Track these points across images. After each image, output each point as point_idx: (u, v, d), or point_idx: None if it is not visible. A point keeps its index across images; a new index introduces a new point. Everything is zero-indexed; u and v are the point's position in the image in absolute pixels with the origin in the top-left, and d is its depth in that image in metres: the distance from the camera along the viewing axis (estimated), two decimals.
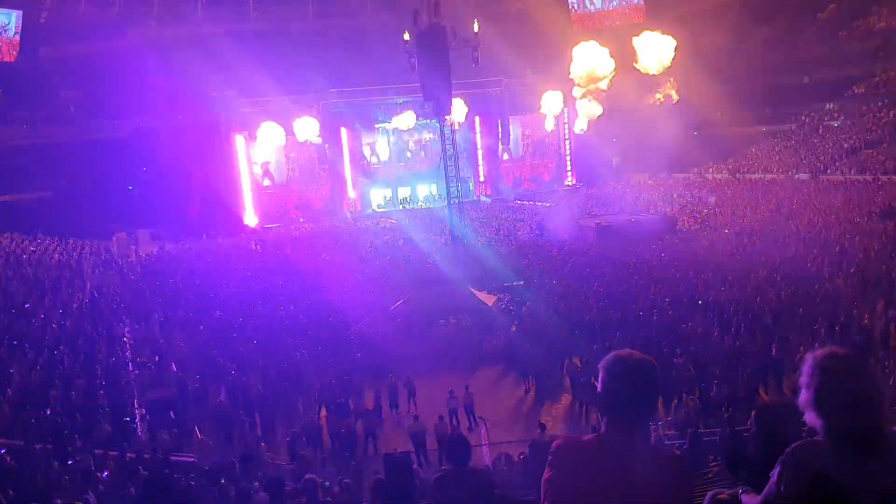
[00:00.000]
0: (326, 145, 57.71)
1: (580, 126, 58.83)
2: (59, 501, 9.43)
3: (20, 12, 49.29)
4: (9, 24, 49.50)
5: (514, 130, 65.19)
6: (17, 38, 49.45)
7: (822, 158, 50.61)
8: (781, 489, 2.50)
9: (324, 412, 19.50)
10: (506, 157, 65.67)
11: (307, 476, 8.11)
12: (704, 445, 11.00)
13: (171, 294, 30.14)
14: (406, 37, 35.12)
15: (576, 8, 68.12)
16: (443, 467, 5.01)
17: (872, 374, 2.48)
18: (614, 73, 52.58)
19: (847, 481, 2.38)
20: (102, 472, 11.89)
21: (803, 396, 2.52)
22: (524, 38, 58.76)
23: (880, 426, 2.43)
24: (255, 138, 55.59)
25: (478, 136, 63.07)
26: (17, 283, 27.60)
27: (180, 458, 14.56)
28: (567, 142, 65.59)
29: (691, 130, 63.60)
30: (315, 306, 27.76)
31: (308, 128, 54.83)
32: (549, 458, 2.66)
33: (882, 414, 2.44)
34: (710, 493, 3.01)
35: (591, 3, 68.54)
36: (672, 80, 55.07)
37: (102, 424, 15.75)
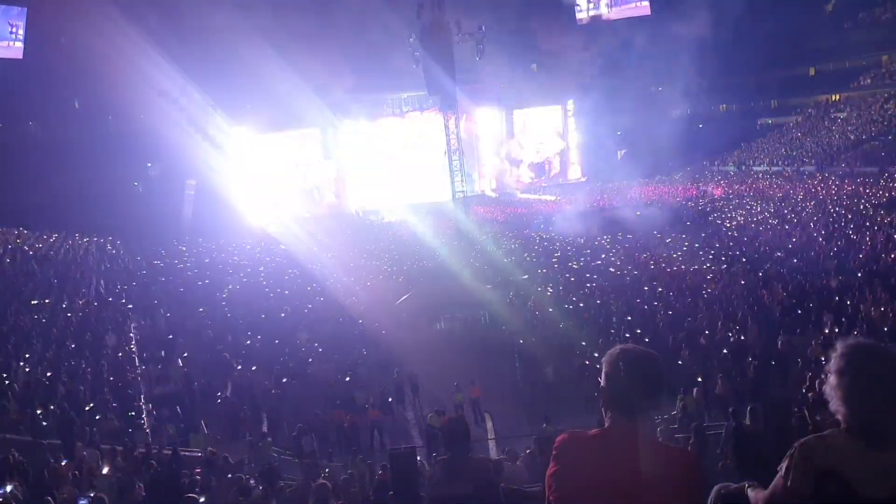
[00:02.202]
0: (332, 140, 57.83)
1: None
2: (66, 496, 9.46)
3: (25, 9, 49.33)
4: (14, 21, 49.53)
5: (520, 124, 65.08)
6: (23, 35, 49.49)
7: (827, 150, 50.45)
8: (788, 483, 2.49)
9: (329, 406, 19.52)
10: (510, 150, 65.58)
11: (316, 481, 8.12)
12: (710, 439, 10.98)
13: (177, 290, 30.20)
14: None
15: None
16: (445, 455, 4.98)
17: None
18: None
19: (855, 476, 2.37)
20: (109, 467, 11.95)
21: (832, 383, 2.50)
22: (529, 31, 58.67)
23: None
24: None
25: (482, 130, 63.00)
26: (24, 278, 27.69)
27: (187, 453, 14.63)
28: (573, 135, 65.45)
29: (696, 123, 63.54)
30: (321, 302, 27.81)
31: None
32: (554, 452, 2.66)
33: None
34: (716, 487, 3.00)
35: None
36: None
37: (109, 419, 15.80)
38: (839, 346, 2.54)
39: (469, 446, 4.87)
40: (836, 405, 2.49)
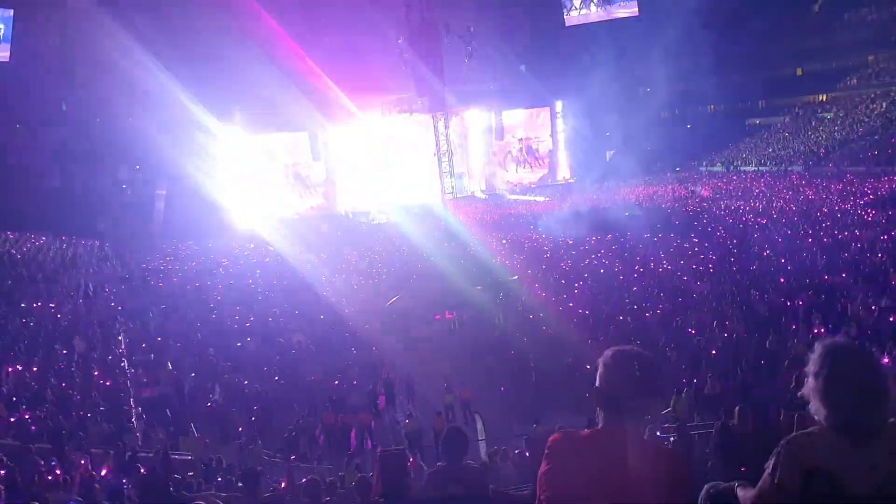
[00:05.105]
0: (321, 142, 57.75)
1: None
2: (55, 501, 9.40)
3: (12, 11, 49.03)
4: (0, 23, 49.23)
5: (508, 125, 65.14)
6: (9, 37, 49.21)
7: (815, 150, 50.71)
8: (776, 482, 2.52)
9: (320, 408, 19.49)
10: (499, 151, 65.62)
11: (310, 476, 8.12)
12: (698, 439, 11.02)
13: (167, 292, 30.10)
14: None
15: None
16: (438, 463, 5.03)
17: (880, 367, 2.51)
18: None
19: (842, 472, 2.40)
20: (100, 471, 11.88)
21: (811, 385, 2.54)
22: (518, 32, 58.77)
23: (882, 418, 2.46)
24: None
25: (471, 131, 63.02)
26: (12, 282, 27.51)
27: (177, 456, 14.56)
28: (562, 136, 65.55)
29: (685, 124, 63.78)
30: (311, 303, 27.76)
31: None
32: (546, 452, 2.67)
33: (885, 406, 2.47)
34: (706, 486, 3.02)
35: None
36: None
37: (99, 423, 15.72)
38: (816, 348, 2.59)
39: (464, 455, 4.93)
40: (815, 406, 2.53)
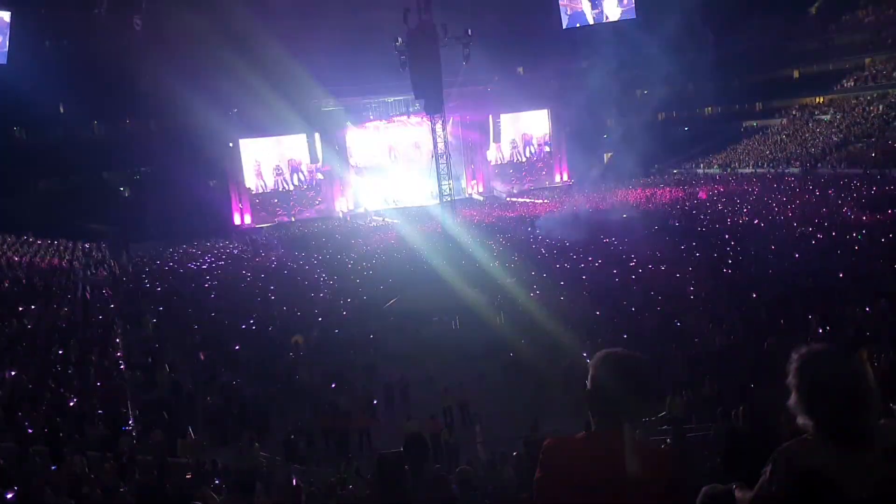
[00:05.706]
0: (318, 145, 57.73)
1: None
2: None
3: (10, 12, 48.99)
4: None
5: (506, 128, 65.12)
6: (8, 38, 49.15)
7: (812, 152, 50.79)
8: (773, 486, 2.51)
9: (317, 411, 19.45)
10: (497, 153, 65.64)
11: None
12: (695, 441, 11.01)
13: (164, 295, 30.06)
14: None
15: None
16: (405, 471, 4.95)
17: (858, 370, 2.48)
18: None
19: (837, 477, 2.39)
20: (96, 474, 11.86)
21: (793, 398, 2.53)
22: (516, 35, 58.80)
23: (869, 421, 2.44)
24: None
25: (469, 134, 63.01)
26: (9, 285, 27.47)
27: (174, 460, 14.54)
28: (559, 138, 65.57)
29: (682, 126, 63.85)
30: (309, 305, 27.73)
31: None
32: (541, 457, 2.66)
33: (870, 408, 2.45)
34: (704, 489, 3.02)
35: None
36: None
37: (96, 425, 15.69)
38: (792, 358, 2.57)
39: (423, 463, 4.87)
40: (802, 418, 2.51)
